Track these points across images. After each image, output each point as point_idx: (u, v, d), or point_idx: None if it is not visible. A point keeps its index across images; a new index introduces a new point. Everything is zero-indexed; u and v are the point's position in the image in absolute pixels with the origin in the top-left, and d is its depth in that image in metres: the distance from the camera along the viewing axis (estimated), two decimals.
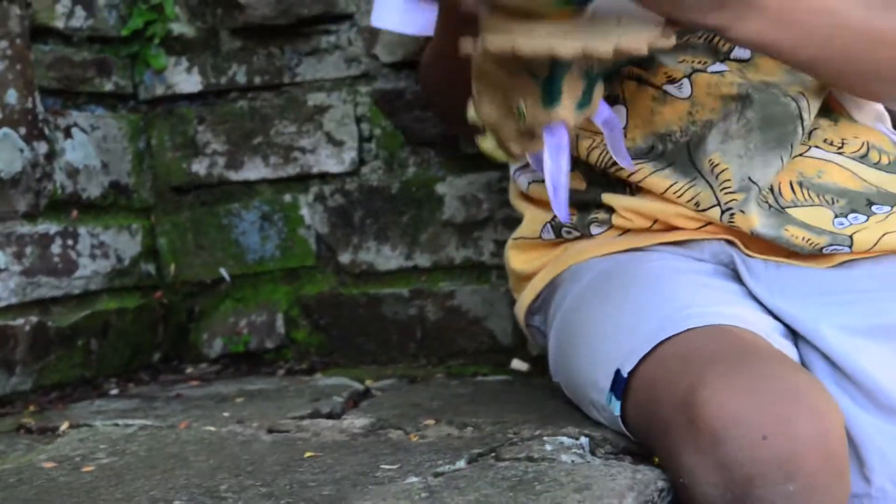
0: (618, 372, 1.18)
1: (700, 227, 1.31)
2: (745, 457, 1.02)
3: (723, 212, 1.28)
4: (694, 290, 1.24)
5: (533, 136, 1.09)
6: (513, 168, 1.46)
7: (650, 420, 1.14)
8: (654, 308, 1.20)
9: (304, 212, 1.87)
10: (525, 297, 1.43)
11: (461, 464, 1.13)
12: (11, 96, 1.61)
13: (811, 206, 1.29)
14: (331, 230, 1.86)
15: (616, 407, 1.18)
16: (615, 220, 1.34)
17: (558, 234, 1.39)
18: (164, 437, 1.32)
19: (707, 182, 1.28)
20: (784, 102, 1.28)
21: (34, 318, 1.65)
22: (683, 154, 1.29)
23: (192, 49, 1.89)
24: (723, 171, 1.28)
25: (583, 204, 1.36)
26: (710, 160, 1.28)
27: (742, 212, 1.27)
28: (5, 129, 1.59)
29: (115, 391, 1.70)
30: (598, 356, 1.22)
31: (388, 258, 1.84)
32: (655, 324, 1.17)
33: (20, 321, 1.62)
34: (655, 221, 1.32)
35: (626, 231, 1.34)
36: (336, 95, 1.84)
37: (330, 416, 1.43)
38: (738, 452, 1.02)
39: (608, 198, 1.34)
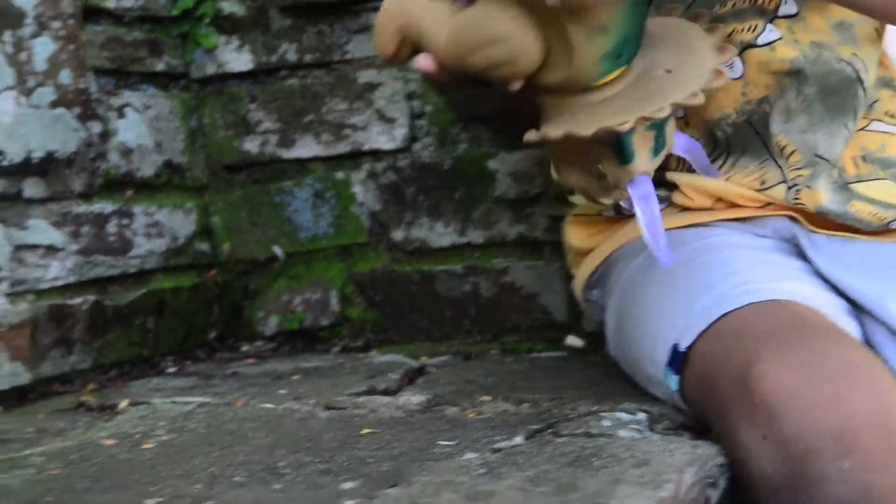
0: (675, 347, 1.17)
1: (762, 206, 1.30)
2: (801, 432, 1.01)
3: (788, 188, 1.26)
4: (753, 266, 1.23)
5: (619, 187, 1.11)
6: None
7: (707, 396, 1.13)
8: (713, 283, 1.19)
9: (357, 189, 1.87)
10: (583, 271, 1.43)
11: (519, 440, 1.13)
12: (65, 77, 1.62)
13: (876, 180, 1.27)
14: (383, 207, 1.86)
15: (673, 382, 1.18)
16: (676, 197, 1.33)
17: (618, 212, 1.38)
18: (222, 414, 1.32)
19: (776, 163, 1.28)
20: (839, 69, 1.26)
21: (91, 297, 1.66)
22: (750, 136, 1.28)
23: (243, 28, 1.89)
24: (792, 151, 1.27)
25: None
26: (776, 142, 1.27)
27: (808, 187, 1.26)
28: (59, 110, 1.60)
29: (172, 369, 1.71)
30: (655, 330, 1.22)
31: (440, 235, 1.84)
32: (713, 299, 1.17)
33: (78, 300, 1.64)
34: (718, 200, 1.31)
35: (685, 209, 1.33)
36: (386, 73, 1.84)
37: (386, 392, 1.43)
38: (794, 428, 1.01)
39: (673, 175, 1.33)
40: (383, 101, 1.84)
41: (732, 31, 1.28)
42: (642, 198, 1.09)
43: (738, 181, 1.30)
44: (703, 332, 1.15)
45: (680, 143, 1.16)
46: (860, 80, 1.26)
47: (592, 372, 1.45)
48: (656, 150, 1.09)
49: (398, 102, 1.83)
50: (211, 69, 1.90)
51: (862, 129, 1.29)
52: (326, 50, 1.86)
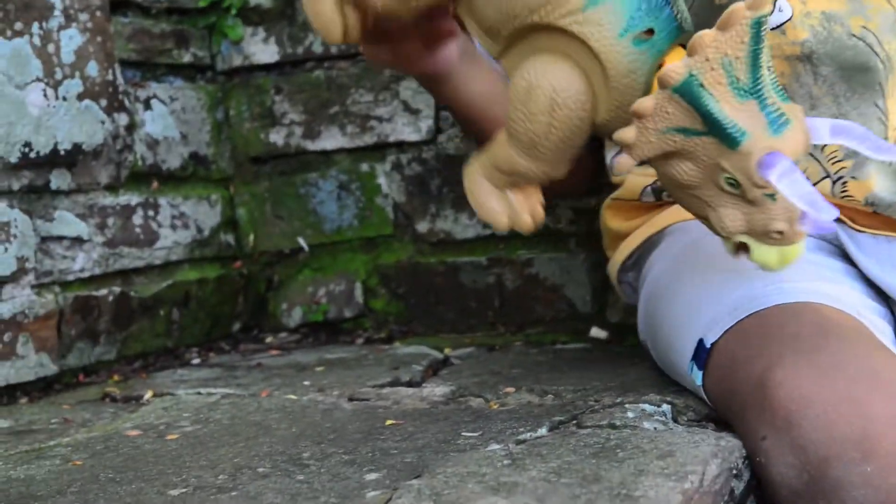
0: (700, 342, 1.16)
1: None
2: (819, 437, 1.00)
3: (833, 182, 1.25)
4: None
5: (760, 186, 0.98)
6: (609, 155, 1.45)
7: (729, 396, 1.12)
8: (744, 280, 1.18)
9: (382, 181, 1.87)
10: (620, 255, 1.42)
11: (543, 431, 1.13)
12: (92, 69, 1.63)
13: None
14: (408, 199, 1.86)
15: (698, 377, 1.17)
16: None
17: (658, 197, 1.38)
18: (246, 405, 1.33)
19: (812, 156, 1.26)
20: (852, 45, 1.24)
21: (117, 289, 1.67)
22: None
23: (269, 19, 1.89)
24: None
25: None
26: None
27: (854, 178, 1.24)
28: (87, 102, 1.61)
29: (196, 360, 1.72)
30: (684, 321, 1.21)
31: (465, 226, 1.84)
32: (743, 296, 1.16)
33: (104, 291, 1.64)
34: None
35: None
36: None
37: (410, 384, 1.43)
38: (813, 433, 1.00)
39: None
40: (409, 93, 1.84)
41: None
42: (782, 176, 0.95)
43: None
44: (729, 329, 1.14)
45: (820, 130, 0.99)
46: (875, 54, 1.24)
47: (616, 363, 1.44)
48: (774, 123, 0.97)
49: (423, 94, 1.83)
50: (237, 61, 1.91)
51: None
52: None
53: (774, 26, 1.25)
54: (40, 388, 1.54)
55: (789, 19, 1.25)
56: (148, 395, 1.44)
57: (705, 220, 1.04)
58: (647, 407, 1.19)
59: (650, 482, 0.92)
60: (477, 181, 1.14)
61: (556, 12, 1.02)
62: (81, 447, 1.19)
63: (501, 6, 1.04)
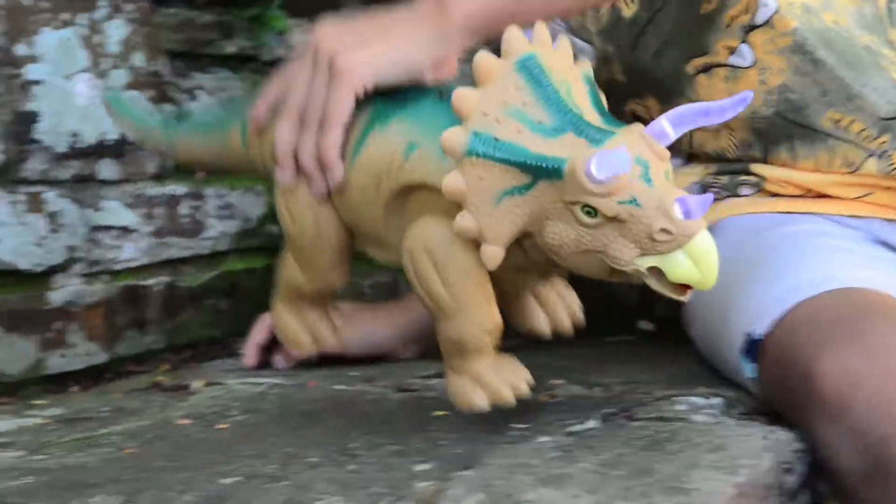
0: (749, 335, 1.16)
1: (858, 198, 1.28)
2: (874, 418, 0.99)
3: (878, 157, 1.24)
4: (836, 254, 1.21)
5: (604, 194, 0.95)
6: None
7: (781, 389, 1.12)
8: (792, 269, 1.18)
9: None
10: None
11: (592, 423, 1.13)
12: (138, 59, 1.64)
13: None
14: None
15: (748, 370, 1.16)
16: (767, 185, 1.32)
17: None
18: (295, 395, 1.33)
19: (840, 139, 1.25)
20: (832, 36, 1.24)
21: (165, 279, 1.67)
22: (788, 125, 1.27)
23: (313, 10, 1.89)
24: (850, 122, 1.25)
25: (731, 171, 1.34)
26: (829, 118, 1.25)
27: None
28: (133, 92, 1.62)
29: (244, 350, 1.72)
30: (733, 315, 1.21)
31: None
32: (790, 286, 1.15)
33: (151, 281, 1.65)
34: (809, 191, 1.30)
35: (776, 195, 1.32)
36: None
37: None
38: (868, 415, 1.00)
39: (758, 168, 1.32)
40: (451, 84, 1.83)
41: (731, 18, 1.26)
42: (599, 166, 0.92)
43: (826, 168, 1.28)
44: (778, 320, 1.13)
45: (660, 127, 0.97)
46: (853, 46, 1.24)
47: (665, 356, 1.44)
48: (596, 139, 0.96)
49: (467, 84, 1.82)
50: (281, 51, 1.91)
51: None
52: None
53: (762, 22, 1.24)
54: (90, 377, 1.55)
55: (776, 12, 1.24)
56: (197, 384, 1.45)
57: (611, 274, 0.99)
58: (697, 400, 1.18)
59: (702, 475, 0.92)
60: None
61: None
62: (133, 435, 1.20)
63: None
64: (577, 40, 1.41)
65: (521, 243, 1.02)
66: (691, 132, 1.31)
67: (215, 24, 1.83)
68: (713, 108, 0.97)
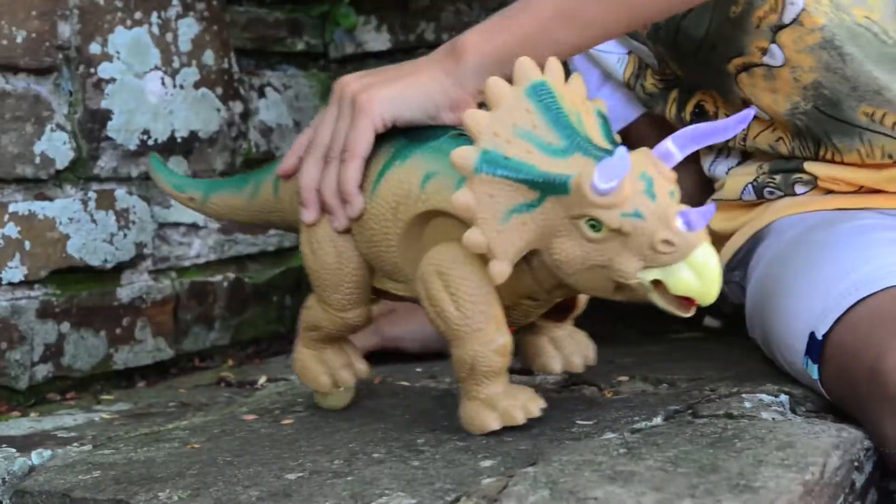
0: (812, 335, 1.14)
1: None
2: None
3: None
4: (892, 249, 1.19)
5: (608, 206, 0.97)
6: (706, 163, 1.44)
7: (847, 388, 1.10)
8: (853, 267, 1.16)
9: None
10: (725, 253, 1.41)
11: (658, 420, 1.12)
12: (209, 57, 1.65)
13: None
14: None
15: (814, 371, 1.15)
16: (820, 182, 1.31)
17: (759, 195, 1.36)
18: (360, 391, 1.33)
19: (877, 132, 1.25)
20: (861, 32, 1.23)
21: (231, 275, 1.69)
22: (825, 119, 1.26)
23: (382, 7, 1.90)
24: (882, 115, 1.24)
25: (785, 169, 1.33)
26: (863, 112, 1.25)
27: None
28: (203, 90, 1.63)
29: None
30: (794, 316, 1.19)
31: None
32: (851, 284, 1.14)
33: (218, 277, 1.66)
34: (861, 187, 1.29)
35: (830, 191, 1.31)
36: None
37: (521, 371, 1.42)
38: None
39: (810, 166, 1.31)
40: None
41: (759, 19, 1.26)
42: (601, 174, 0.95)
43: (868, 160, 1.27)
44: (840, 318, 1.12)
45: (665, 146, 1.00)
46: (884, 42, 1.24)
47: (731, 353, 1.42)
48: (602, 158, 0.97)
49: None
50: (350, 49, 1.92)
51: None
52: (464, 28, 1.84)
53: (790, 20, 1.24)
54: (157, 372, 1.57)
55: (803, 9, 1.24)
56: (262, 379, 1.46)
57: (616, 290, 1.01)
58: (764, 397, 1.17)
59: (770, 473, 0.91)
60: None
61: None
62: (199, 430, 1.21)
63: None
64: (634, 42, 1.41)
65: (530, 263, 1.04)
66: (745, 130, 1.31)
67: (284, 21, 1.84)
68: (718, 127, 0.99)
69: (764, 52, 1.27)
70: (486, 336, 1.06)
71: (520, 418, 1.07)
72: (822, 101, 1.26)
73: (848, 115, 1.26)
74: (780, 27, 1.25)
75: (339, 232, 1.15)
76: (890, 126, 1.25)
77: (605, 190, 0.95)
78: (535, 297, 1.09)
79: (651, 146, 0.99)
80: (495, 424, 1.07)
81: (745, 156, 1.40)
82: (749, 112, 1.00)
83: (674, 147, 0.99)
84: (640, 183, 0.96)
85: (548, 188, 0.98)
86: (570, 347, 1.19)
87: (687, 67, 1.37)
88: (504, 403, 1.07)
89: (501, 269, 1.01)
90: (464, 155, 1.01)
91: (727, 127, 0.99)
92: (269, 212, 1.25)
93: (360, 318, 1.19)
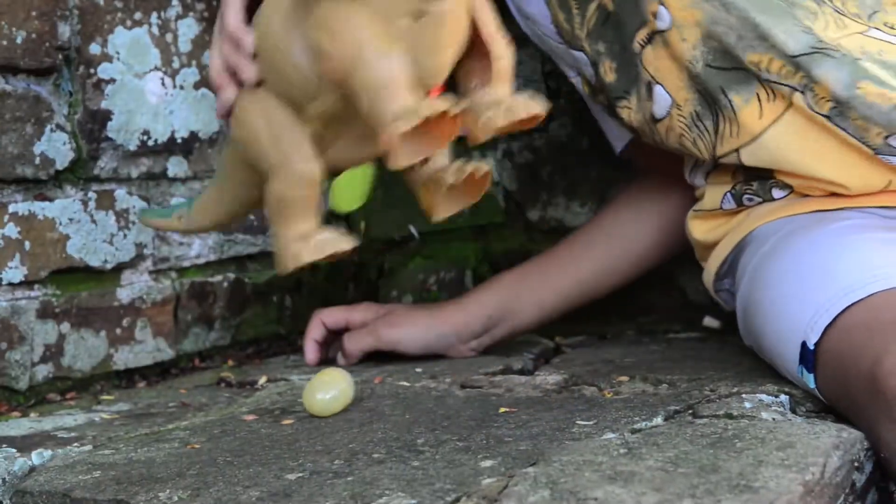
0: (804, 344, 1.14)
1: (884, 189, 1.27)
2: None
3: (803, 93, 1.25)
4: (881, 251, 1.19)
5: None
6: (686, 174, 1.45)
7: (843, 395, 1.10)
8: (837, 273, 1.16)
9: (493, 168, 1.86)
10: (711, 264, 1.42)
11: (658, 420, 1.12)
12: (208, 58, 1.65)
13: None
14: (519, 186, 1.85)
15: (809, 380, 1.15)
16: (797, 188, 1.31)
17: (739, 203, 1.37)
18: (360, 391, 1.33)
19: (769, 80, 1.27)
20: None
21: (231, 275, 1.69)
22: (720, 73, 1.28)
23: None
24: (769, 61, 1.27)
25: (760, 176, 1.34)
26: (750, 61, 1.27)
27: (815, 82, 1.25)
28: (203, 90, 1.63)
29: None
30: (782, 326, 1.19)
31: (577, 214, 1.83)
32: (839, 289, 1.13)
33: (218, 278, 1.66)
34: (831, 194, 1.29)
35: (807, 195, 1.31)
36: (524, 51, 1.83)
37: (522, 372, 1.43)
38: None
39: (783, 177, 1.32)
40: (520, 80, 1.83)
41: None
42: None
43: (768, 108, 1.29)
44: (830, 325, 1.12)
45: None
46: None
47: (731, 353, 1.43)
48: None
49: (536, 81, 1.82)
50: None
51: (861, 34, 1.26)
52: None
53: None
54: (157, 373, 1.57)
55: (671, 26, 1.27)
56: (262, 380, 1.46)
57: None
58: (764, 397, 1.17)
59: (770, 473, 0.91)
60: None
61: None
62: (199, 431, 1.21)
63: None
64: (573, 51, 1.42)
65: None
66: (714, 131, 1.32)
67: None
68: None
69: (655, 15, 1.28)
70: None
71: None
72: (712, 55, 1.27)
73: (739, 62, 1.27)
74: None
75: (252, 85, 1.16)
76: (777, 71, 1.25)
77: None
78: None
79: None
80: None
81: (717, 165, 1.39)
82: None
83: None
84: None
85: None
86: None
87: (621, 60, 1.37)
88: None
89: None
90: None
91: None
92: (240, 173, 1.24)
93: (310, 162, 1.14)
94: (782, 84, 1.26)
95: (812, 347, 1.13)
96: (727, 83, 1.28)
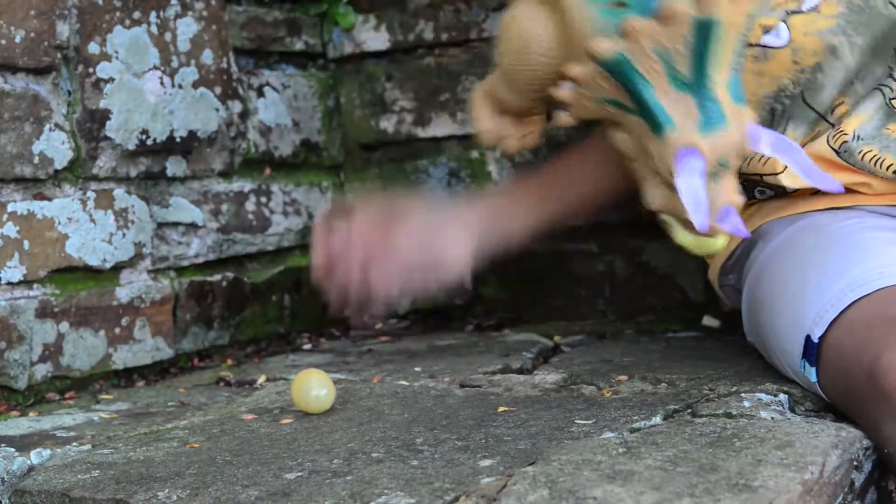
0: (808, 338, 1.14)
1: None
2: None
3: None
4: (883, 248, 1.19)
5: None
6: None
7: (844, 390, 1.10)
8: (845, 268, 1.16)
9: (492, 168, 1.86)
10: (718, 258, 1.41)
11: (657, 419, 1.12)
12: (207, 57, 1.65)
13: None
14: None
15: (812, 374, 1.15)
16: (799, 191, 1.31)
17: (749, 197, 1.36)
18: (359, 391, 1.33)
19: (826, 120, 1.27)
20: (887, 13, 1.24)
21: (230, 275, 1.69)
22: (798, 104, 1.27)
23: (380, 7, 1.90)
24: (840, 104, 1.26)
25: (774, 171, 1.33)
26: (832, 102, 1.26)
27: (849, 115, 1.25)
28: (202, 90, 1.63)
29: (307, 346, 1.73)
30: (788, 320, 1.19)
31: None
32: (844, 285, 1.13)
33: (217, 277, 1.66)
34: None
35: (815, 192, 1.31)
36: None
37: (521, 371, 1.43)
38: None
39: (783, 180, 1.31)
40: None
41: (777, 4, 1.27)
42: (683, 173, 1.04)
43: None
44: (835, 320, 1.12)
45: (765, 138, 1.08)
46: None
47: (730, 352, 1.42)
48: (708, 121, 1.05)
49: None
50: (348, 48, 1.92)
51: None
52: (464, 28, 1.86)
53: (808, 10, 1.27)
54: (156, 372, 1.57)
55: (787, 44, 1.26)
56: (261, 379, 1.46)
57: (642, 189, 1.12)
58: (763, 396, 1.17)
59: (769, 472, 0.91)
60: (479, 103, 1.27)
61: None
62: (198, 430, 1.21)
63: None
64: None
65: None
66: None
67: (283, 21, 1.84)
68: (808, 166, 1.09)
69: (767, 30, 1.27)
70: (517, 99, 1.25)
71: (509, 146, 1.29)
72: (812, 86, 1.26)
73: (821, 101, 1.26)
74: (796, 13, 1.26)
75: None
76: (838, 116, 1.26)
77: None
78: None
79: None
80: (491, 136, 1.29)
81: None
82: (837, 186, 1.10)
83: (769, 148, 1.08)
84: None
85: (645, 116, 1.07)
86: None
87: None
88: (508, 129, 1.29)
89: (566, 120, 1.19)
90: (596, 48, 1.07)
91: (810, 173, 1.09)
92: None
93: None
94: (826, 121, 1.28)
95: (816, 341, 1.13)
96: (796, 114, 1.28)
